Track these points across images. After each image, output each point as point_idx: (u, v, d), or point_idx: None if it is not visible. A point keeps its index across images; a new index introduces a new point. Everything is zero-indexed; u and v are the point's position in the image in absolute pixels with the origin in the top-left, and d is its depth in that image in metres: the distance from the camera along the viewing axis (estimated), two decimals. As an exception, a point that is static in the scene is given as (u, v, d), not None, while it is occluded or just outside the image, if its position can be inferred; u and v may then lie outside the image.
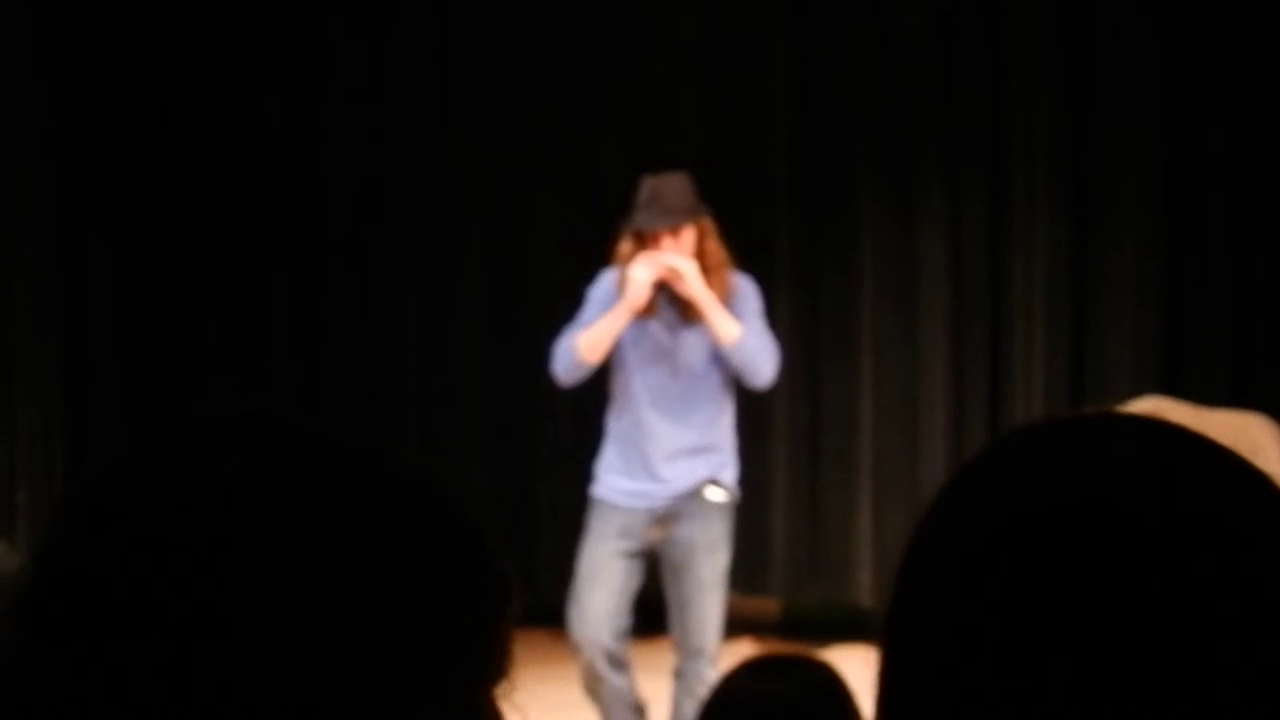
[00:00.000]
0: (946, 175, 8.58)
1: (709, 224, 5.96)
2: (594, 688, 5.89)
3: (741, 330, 5.88)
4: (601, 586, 5.86)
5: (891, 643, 1.02)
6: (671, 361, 5.95)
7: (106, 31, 8.62)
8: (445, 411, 8.97)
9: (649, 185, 5.94)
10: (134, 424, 8.44)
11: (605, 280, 6.05)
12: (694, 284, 5.85)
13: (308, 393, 8.86)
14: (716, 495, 5.96)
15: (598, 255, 6.22)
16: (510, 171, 8.81)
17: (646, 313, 5.93)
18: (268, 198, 8.97)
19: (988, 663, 0.95)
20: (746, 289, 6.02)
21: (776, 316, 7.46)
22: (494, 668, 0.98)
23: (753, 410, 6.98)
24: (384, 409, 8.82)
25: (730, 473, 6.03)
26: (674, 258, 5.86)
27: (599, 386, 6.21)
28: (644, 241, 5.91)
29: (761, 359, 5.91)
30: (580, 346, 5.96)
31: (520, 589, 0.99)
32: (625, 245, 5.98)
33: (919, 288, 8.61)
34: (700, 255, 5.89)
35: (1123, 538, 0.95)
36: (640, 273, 5.86)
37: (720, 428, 5.99)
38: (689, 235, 5.89)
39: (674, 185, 5.94)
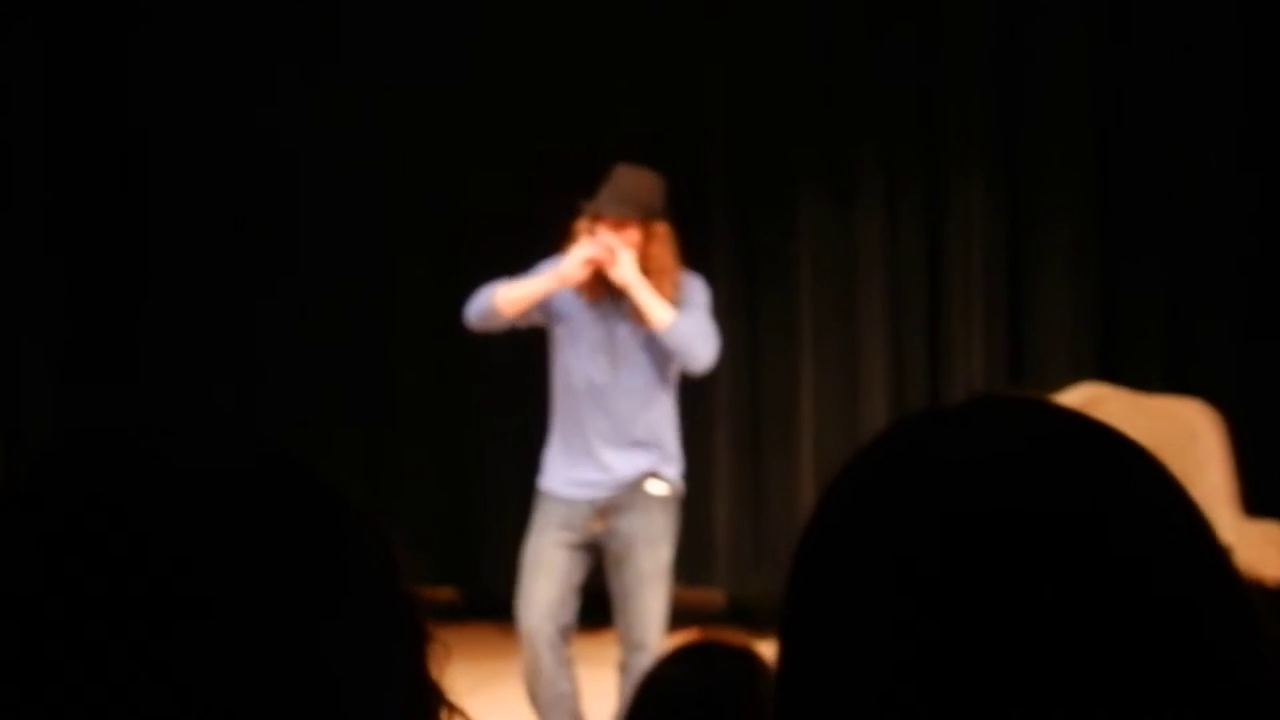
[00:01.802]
0: (882, 155, 8.61)
1: (662, 230, 5.94)
2: (535, 687, 5.87)
3: (673, 316, 5.88)
4: (544, 577, 5.86)
5: (786, 633, 1.03)
6: (611, 354, 5.95)
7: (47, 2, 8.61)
8: (388, 402, 8.95)
9: (615, 172, 5.97)
10: (69, 407, 8.38)
11: (553, 261, 6.07)
12: (625, 269, 5.84)
13: (245, 379, 8.82)
14: (658, 488, 5.97)
15: (534, 239, 6.22)
16: (450, 154, 8.79)
17: (591, 296, 5.94)
18: (208, 175, 8.90)
19: (874, 651, 0.95)
20: (694, 286, 6.03)
21: (715, 301, 7.48)
22: (418, 631, 0.97)
23: (693, 398, 6.97)
24: (324, 398, 8.78)
25: (673, 468, 6.03)
26: (613, 240, 5.87)
27: (541, 379, 6.20)
28: (595, 225, 5.93)
29: (695, 343, 5.90)
30: (499, 296, 5.97)
31: (410, 558, 0.98)
32: (581, 225, 6.00)
33: (857, 270, 8.64)
34: (643, 257, 5.89)
35: (1007, 530, 0.94)
36: (579, 251, 5.89)
37: (660, 422, 6.00)
38: (634, 231, 5.89)
39: (636, 178, 5.96)
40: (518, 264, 6.22)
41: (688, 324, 5.90)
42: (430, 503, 8.80)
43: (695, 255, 6.30)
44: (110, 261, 8.84)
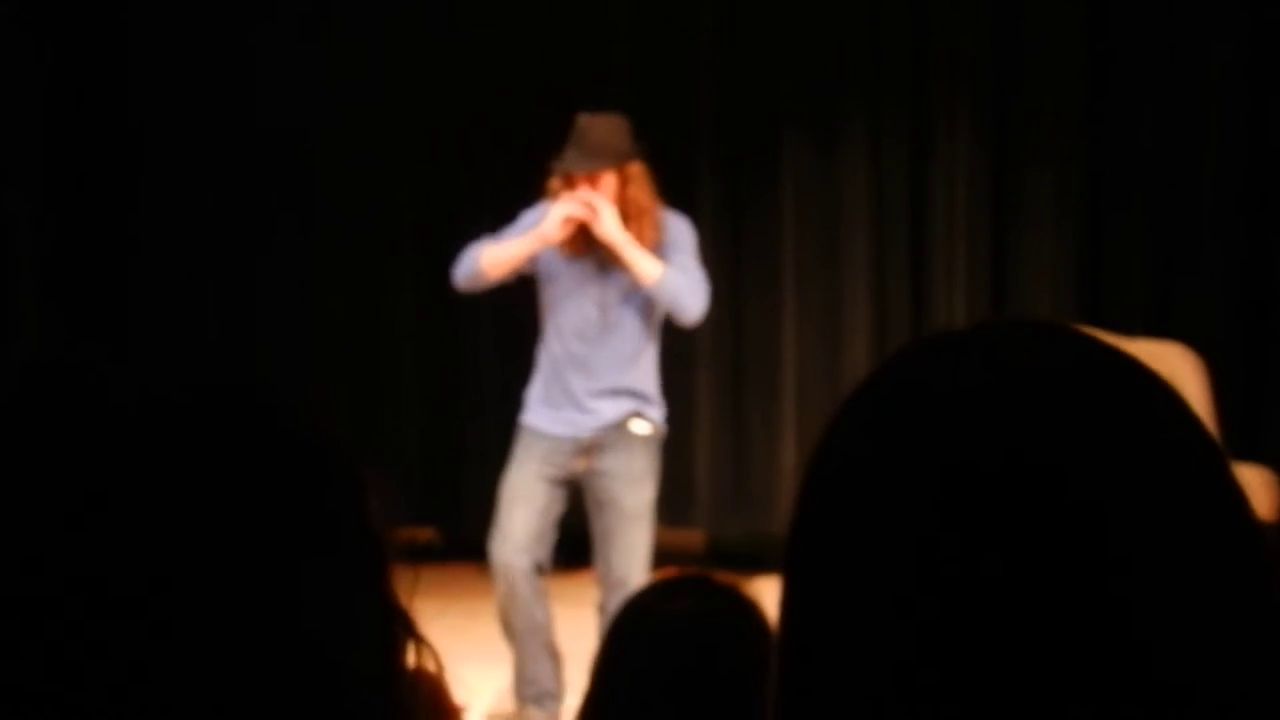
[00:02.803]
0: (867, 103, 8.59)
1: (636, 170, 5.89)
2: (509, 619, 5.86)
3: (661, 269, 5.84)
4: (522, 507, 5.85)
5: (792, 567, 1.00)
6: (594, 303, 5.93)
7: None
8: (374, 348, 8.93)
9: (579, 124, 5.90)
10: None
11: (538, 210, 6.03)
12: (609, 225, 5.81)
13: (238, 333, 8.80)
14: (641, 428, 5.96)
15: (525, 190, 6.19)
16: (440, 108, 8.76)
17: (574, 251, 5.91)
18: (201, 138, 8.86)
19: (880, 582, 0.93)
20: (679, 228, 5.99)
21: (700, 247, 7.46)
22: (383, 563, 0.97)
23: (676, 342, 6.99)
24: (314, 346, 8.78)
25: (656, 411, 6.02)
26: (592, 196, 5.83)
27: (526, 322, 6.17)
28: (569, 181, 5.89)
29: (687, 296, 5.87)
30: (484, 258, 5.96)
31: (387, 489, 0.98)
32: (554, 182, 5.96)
33: (840, 217, 8.62)
34: (621, 202, 5.85)
35: (1036, 454, 0.92)
36: (558, 209, 5.85)
37: (642, 372, 5.99)
38: (609, 180, 5.84)
39: (602, 127, 5.88)
40: (509, 216, 6.18)
41: (676, 277, 5.86)
42: (411, 444, 8.80)
43: (680, 203, 6.26)
44: (101, 220, 8.80)
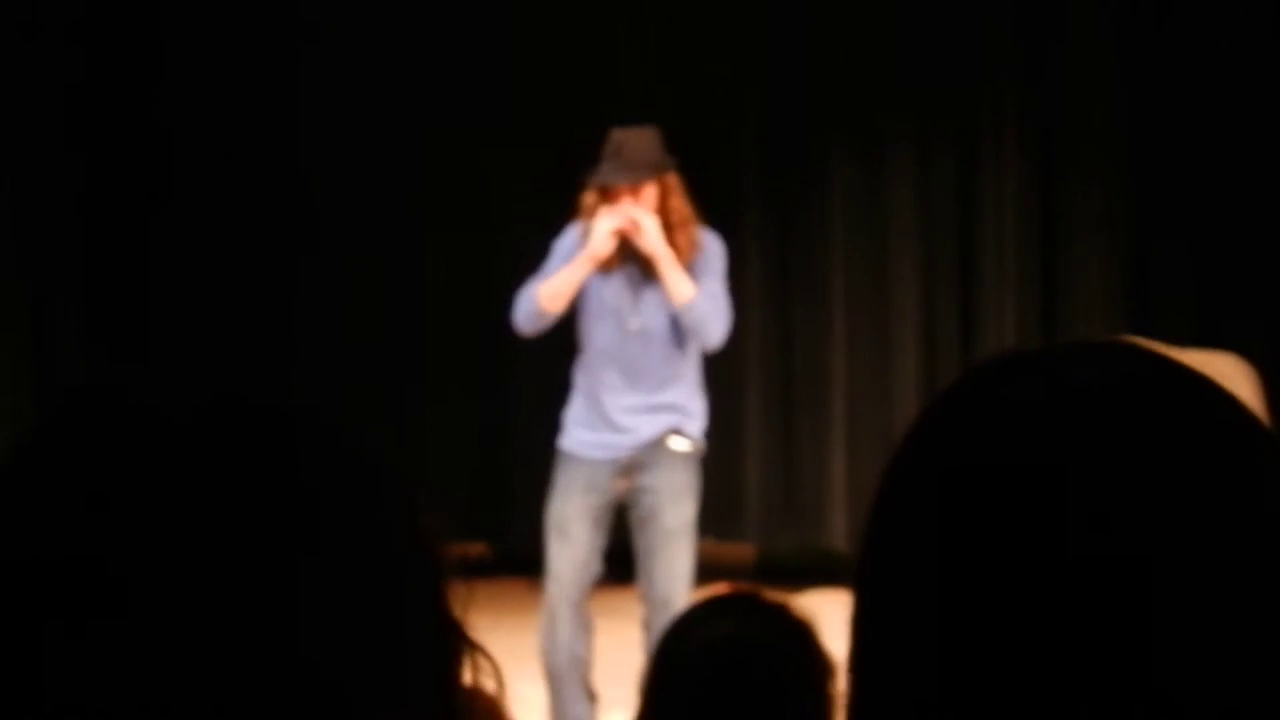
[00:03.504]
0: (915, 116, 8.59)
1: (674, 180, 5.89)
2: (550, 653, 5.85)
3: (694, 291, 5.83)
4: (569, 540, 5.83)
5: (865, 585, 1.00)
6: (631, 318, 5.91)
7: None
8: (418, 366, 8.94)
9: (614, 138, 5.88)
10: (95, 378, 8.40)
11: (570, 233, 6.01)
12: (652, 239, 5.80)
13: (277, 349, 8.81)
14: (680, 444, 5.92)
15: (567, 209, 6.20)
16: (477, 123, 8.78)
17: (608, 267, 5.89)
18: (233, 152, 8.89)
19: (961, 603, 0.93)
20: (712, 247, 5.96)
21: (746, 263, 7.48)
22: (438, 573, 0.97)
23: (725, 357, 6.93)
24: (357, 364, 8.78)
25: (695, 425, 5.97)
26: (636, 210, 5.82)
27: (570, 338, 6.19)
28: (607, 196, 5.87)
29: (710, 323, 5.86)
30: (541, 296, 5.94)
31: (442, 514, 0.98)
32: (589, 198, 5.93)
33: (888, 232, 8.62)
34: (662, 212, 5.84)
35: (1092, 466, 0.91)
36: (603, 224, 5.82)
37: (681, 386, 5.95)
38: (650, 192, 5.83)
39: (638, 139, 5.88)
40: (550, 230, 6.17)
41: (704, 303, 5.84)
42: (461, 460, 8.82)
43: (726, 216, 6.27)
44: (136, 239, 8.82)
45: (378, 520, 0.96)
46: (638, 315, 5.91)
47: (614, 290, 5.93)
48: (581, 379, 6.02)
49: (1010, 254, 8.53)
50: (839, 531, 8.54)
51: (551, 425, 6.16)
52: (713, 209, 6.17)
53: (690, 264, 5.89)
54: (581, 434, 5.94)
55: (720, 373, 6.60)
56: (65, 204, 8.62)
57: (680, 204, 5.89)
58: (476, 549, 8.64)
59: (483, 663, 0.99)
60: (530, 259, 6.23)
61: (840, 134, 8.65)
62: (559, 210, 6.34)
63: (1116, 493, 0.91)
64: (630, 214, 5.82)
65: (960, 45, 8.51)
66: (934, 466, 0.97)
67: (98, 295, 8.72)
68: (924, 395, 8.46)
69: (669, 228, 5.85)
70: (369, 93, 8.80)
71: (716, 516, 7.19)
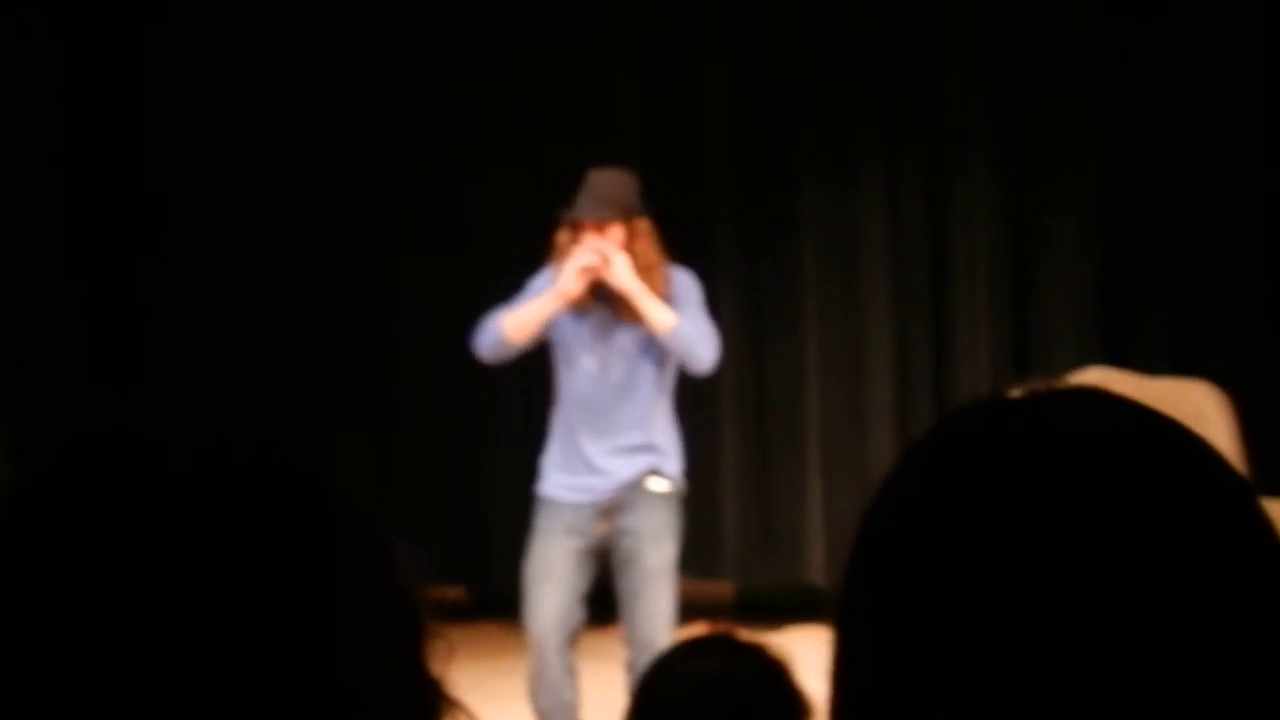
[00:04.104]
0: (883, 143, 8.61)
1: (643, 225, 5.90)
2: (538, 696, 5.86)
3: (675, 318, 5.83)
4: (552, 584, 5.83)
5: (845, 624, 1.01)
6: (603, 359, 5.91)
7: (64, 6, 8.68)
8: (396, 405, 8.93)
9: (588, 177, 5.93)
10: (83, 412, 8.43)
11: (545, 274, 6.03)
12: (623, 274, 5.81)
13: (256, 380, 8.80)
14: (659, 485, 5.92)
15: (538, 240, 6.18)
16: (454, 162, 8.80)
17: (580, 308, 5.91)
18: (223, 179, 8.89)
19: (948, 641, 0.95)
20: (684, 281, 5.97)
21: (718, 294, 7.46)
22: (417, 626, 0.98)
23: (698, 390, 6.99)
24: (333, 398, 8.78)
25: (674, 465, 5.97)
26: (605, 245, 5.84)
27: (548, 379, 6.18)
28: (577, 233, 5.90)
29: (699, 345, 5.87)
30: (506, 325, 5.94)
31: (412, 553, 0.99)
32: (562, 236, 5.96)
33: (860, 260, 8.63)
34: (630, 253, 5.85)
35: (1081, 511, 0.95)
36: (574, 261, 5.84)
37: (657, 426, 5.95)
38: (616, 232, 5.85)
39: (610, 180, 5.92)
40: (525, 265, 6.17)
41: (688, 326, 5.85)
42: (438, 502, 8.80)
43: (697, 247, 6.27)
44: (126, 267, 8.84)
45: (353, 568, 0.96)
46: (611, 357, 5.91)
47: (587, 332, 5.94)
48: (558, 423, 6.03)
49: (982, 277, 8.54)
50: (817, 565, 8.53)
51: (529, 467, 6.16)
52: (682, 240, 6.16)
53: (665, 301, 5.89)
54: (560, 478, 5.94)
55: (694, 407, 6.58)
56: (51, 234, 8.67)
57: (647, 248, 5.90)
58: (454, 593, 8.61)
59: (461, 713, 0.99)
60: (509, 293, 6.22)
61: (809, 159, 8.67)
62: (530, 246, 6.35)
63: (1097, 538, 0.94)
64: (599, 249, 5.82)
65: (927, 65, 8.53)
66: (912, 517, 0.99)
67: (83, 325, 8.74)
68: (898, 425, 8.48)
69: (636, 271, 5.85)
70: (357, 124, 8.81)
71: (694, 553, 7.17)
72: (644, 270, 5.86)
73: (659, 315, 5.83)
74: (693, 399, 6.42)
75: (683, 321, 5.85)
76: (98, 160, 8.76)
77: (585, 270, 5.84)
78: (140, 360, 8.79)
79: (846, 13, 8.56)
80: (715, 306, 6.23)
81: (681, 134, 8.61)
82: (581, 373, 5.93)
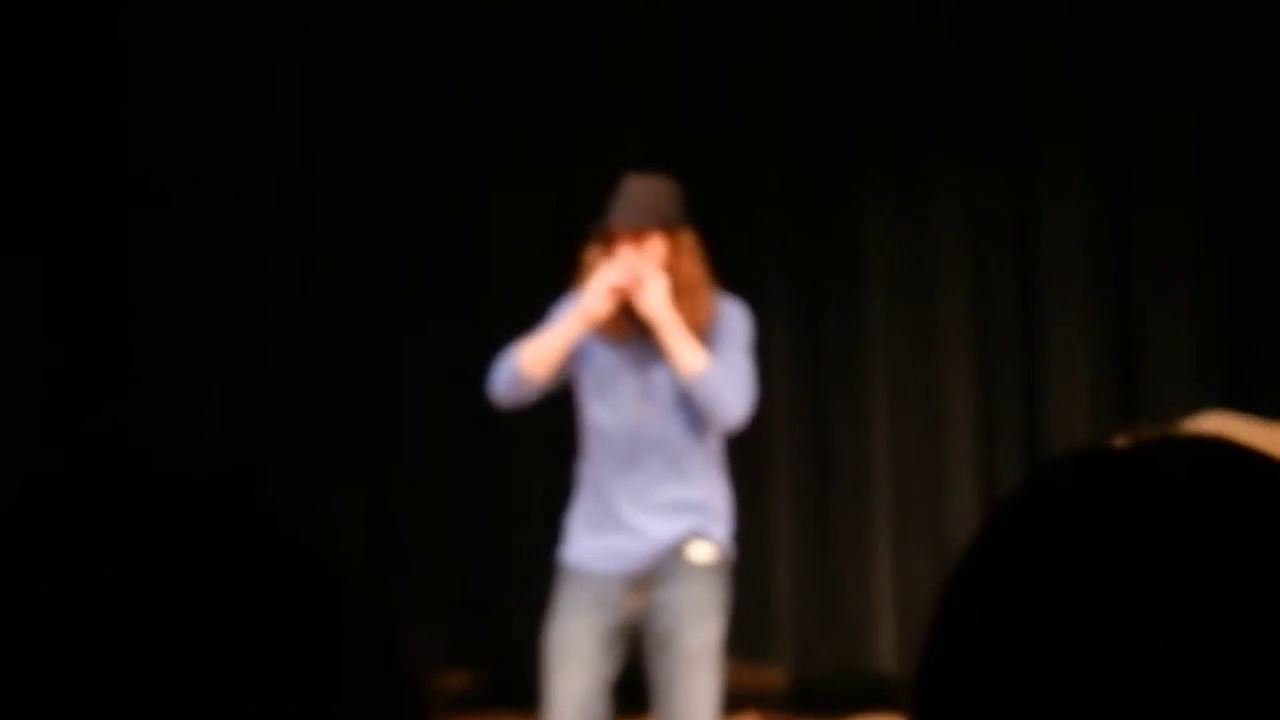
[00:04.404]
0: (962, 165, 8.65)
1: (688, 239, 5.90)
2: None
3: (706, 362, 5.80)
4: (574, 669, 5.81)
5: (922, 709, 1.02)
6: (642, 399, 5.89)
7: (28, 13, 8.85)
8: (398, 456, 8.94)
9: (624, 184, 5.92)
10: (58, 434, 8.56)
11: (571, 300, 6.00)
12: (654, 300, 5.79)
13: (242, 430, 8.89)
14: (702, 553, 5.88)
15: (560, 274, 6.18)
16: (479, 180, 8.84)
17: (615, 335, 5.88)
18: (207, 189, 8.98)
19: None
20: (732, 315, 5.96)
21: (770, 333, 7.44)
22: (418, 712, 1.00)
23: (749, 443, 6.94)
24: (328, 451, 8.82)
25: (720, 529, 5.93)
26: (639, 262, 5.81)
27: (575, 422, 6.16)
28: (609, 249, 5.88)
29: (726, 397, 5.82)
30: (523, 359, 5.90)
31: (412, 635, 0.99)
32: (592, 253, 5.94)
33: (936, 296, 8.66)
34: (671, 271, 5.84)
35: (1202, 589, 0.95)
36: (602, 277, 5.82)
37: (704, 480, 5.92)
38: (656, 245, 5.82)
39: (649, 187, 5.92)
40: (553, 293, 6.18)
41: (719, 374, 5.81)
42: (446, 572, 8.81)
43: (746, 279, 6.24)
44: (98, 279, 8.99)
45: (349, 654, 0.98)
46: (650, 396, 5.88)
47: (621, 365, 5.90)
48: (586, 474, 5.98)
49: (1079, 314, 8.54)
50: (885, 649, 8.53)
51: (552, 530, 6.17)
52: (730, 271, 6.16)
53: (704, 335, 5.86)
54: (587, 541, 5.91)
55: (743, 462, 6.53)
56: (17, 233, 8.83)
57: (692, 266, 5.87)
58: (463, 679, 8.61)
59: None
60: (529, 325, 6.23)
61: (875, 179, 8.70)
62: (550, 278, 6.34)
63: (1210, 607, 0.96)
64: (631, 266, 5.80)
65: (1010, 69, 8.56)
66: (1003, 584, 1.01)
67: (55, 335, 8.90)
68: (983, 486, 8.50)
69: (677, 292, 5.83)
70: (366, 135, 8.89)
71: (742, 633, 7.05)
72: (684, 292, 5.83)
73: (688, 356, 5.79)
74: (741, 452, 6.38)
75: (714, 367, 5.81)
76: (67, 157, 8.93)
77: (614, 290, 5.81)
78: (118, 380, 8.91)
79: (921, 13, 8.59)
80: (768, 347, 6.21)
81: (728, 151, 8.63)
82: (614, 413, 5.88)
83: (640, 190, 5.89)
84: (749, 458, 7.58)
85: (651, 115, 8.74)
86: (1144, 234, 8.55)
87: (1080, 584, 0.97)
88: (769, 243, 8.72)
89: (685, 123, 8.71)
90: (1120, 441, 1.04)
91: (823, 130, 8.70)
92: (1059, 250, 8.59)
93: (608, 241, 5.88)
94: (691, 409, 5.88)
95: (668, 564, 5.84)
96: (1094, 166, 8.57)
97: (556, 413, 6.42)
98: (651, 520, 5.85)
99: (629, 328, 5.87)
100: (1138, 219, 8.55)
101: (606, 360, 5.91)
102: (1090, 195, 8.57)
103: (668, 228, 5.86)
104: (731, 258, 6.12)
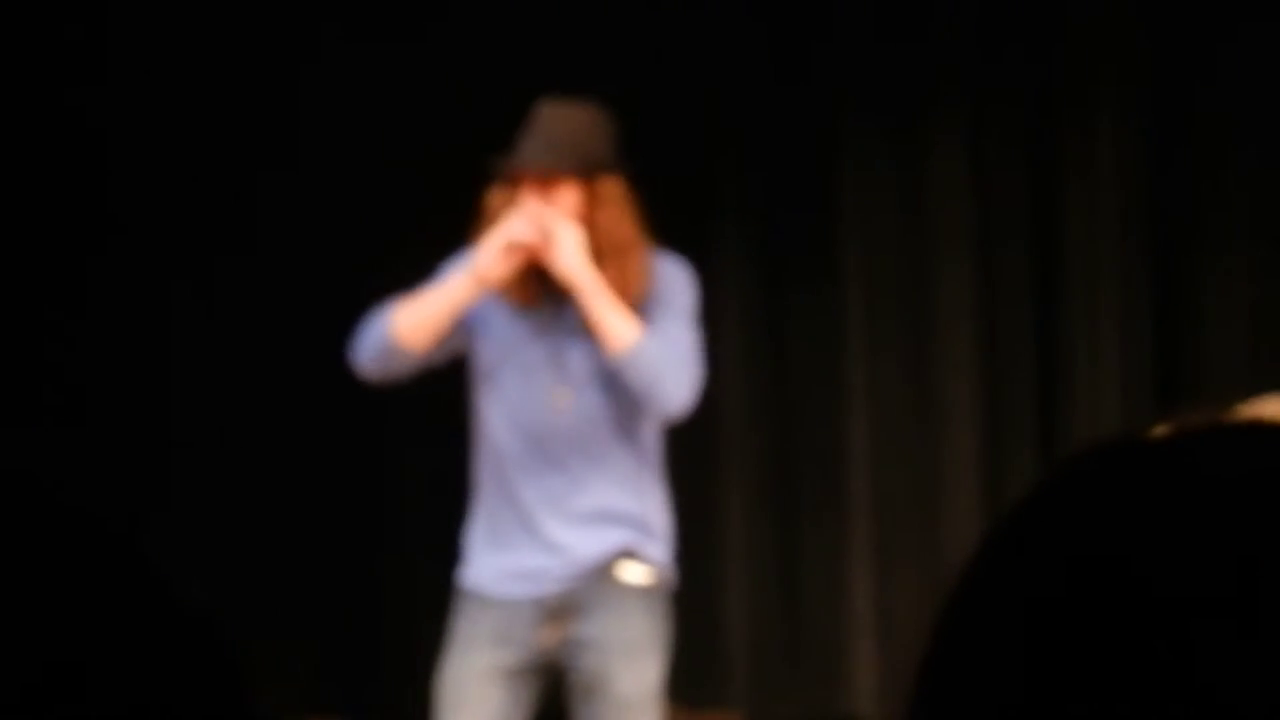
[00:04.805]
0: (965, 99, 8.75)
1: (614, 187, 5.90)
2: None
3: (639, 334, 5.81)
4: (471, 716, 5.84)
5: None
6: (558, 383, 5.91)
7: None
8: (247, 455, 8.97)
9: (538, 112, 5.90)
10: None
11: (464, 257, 5.98)
12: (569, 257, 5.76)
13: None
14: (636, 574, 5.91)
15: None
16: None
17: (523, 300, 5.88)
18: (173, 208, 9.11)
19: None
20: (672, 276, 5.98)
21: (722, 299, 7.49)
22: None
23: (694, 443, 7.09)
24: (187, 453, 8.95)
25: (659, 545, 5.97)
26: (549, 214, 5.78)
27: (464, 420, 6.19)
28: (516, 190, 5.85)
29: (665, 377, 5.83)
30: (398, 324, 5.88)
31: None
32: (495, 198, 5.92)
33: (928, 257, 8.71)
34: (589, 229, 5.82)
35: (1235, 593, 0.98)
36: (500, 231, 5.79)
37: (637, 484, 5.95)
38: (570, 193, 5.83)
39: (566, 118, 5.91)
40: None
41: (658, 346, 5.82)
42: (307, 598, 8.79)
43: (694, 233, 6.26)
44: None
45: (186, 697, 1.05)
46: (567, 377, 5.91)
47: (529, 338, 5.93)
48: (484, 477, 6.01)
49: (1110, 278, 8.58)
50: (863, 691, 8.58)
51: (436, 549, 6.34)
52: (675, 223, 6.16)
53: (638, 303, 5.84)
54: (489, 559, 5.94)
55: (688, 463, 6.59)
56: None
57: (617, 221, 5.87)
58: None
59: None
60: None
61: (854, 119, 8.76)
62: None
63: (1266, 624, 0.98)
64: (539, 219, 5.75)
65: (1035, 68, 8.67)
66: (1015, 608, 1.03)
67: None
68: (985, 491, 8.57)
69: (598, 255, 5.80)
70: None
71: (688, 674, 7.28)
72: (609, 254, 5.81)
73: (614, 326, 5.79)
74: (686, 452, 6.52)
75: (649, 340, 5.80)
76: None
77: (514, 247, 5.76)
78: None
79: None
80: (718, 320, 6.16)
81: (667, 85, 8.66)
82: (523, 400, 5.92)
83: (554, 122, 5.88)
84: (695, 457, 7.77)
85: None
86: (1192, 187, 8.60)
87: (1109, 610, 0.99)
88: (724, 189, 8.78)
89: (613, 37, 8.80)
90: (1158, 431, 1.05)
91: (795, 62, 8.76)
92: (1083, 190, 8.64)
93: (514, 184, 5.87)
94: (621, 393, 5.90)
95: (592, 588, 5.91)
96: (1124, 104, 8.67)
97: (446, 402, 6.46)
98: (570, 533, 5.90)
99: (539, 292, 5.88)
100: (1181, 167, 8.61)
101: (510, 332, 5.93)
102: (1122, 137, 8.64)
103: (588, 171, 5.85)
104: (677, 206, 6.09)
